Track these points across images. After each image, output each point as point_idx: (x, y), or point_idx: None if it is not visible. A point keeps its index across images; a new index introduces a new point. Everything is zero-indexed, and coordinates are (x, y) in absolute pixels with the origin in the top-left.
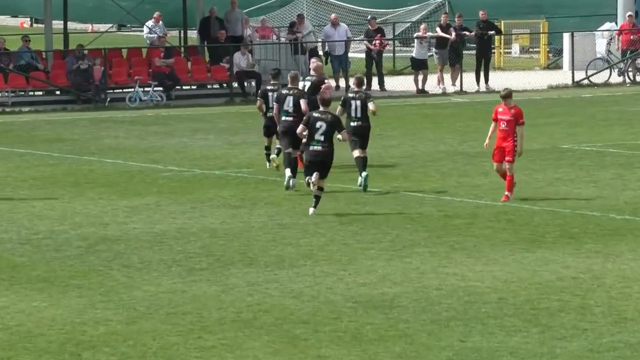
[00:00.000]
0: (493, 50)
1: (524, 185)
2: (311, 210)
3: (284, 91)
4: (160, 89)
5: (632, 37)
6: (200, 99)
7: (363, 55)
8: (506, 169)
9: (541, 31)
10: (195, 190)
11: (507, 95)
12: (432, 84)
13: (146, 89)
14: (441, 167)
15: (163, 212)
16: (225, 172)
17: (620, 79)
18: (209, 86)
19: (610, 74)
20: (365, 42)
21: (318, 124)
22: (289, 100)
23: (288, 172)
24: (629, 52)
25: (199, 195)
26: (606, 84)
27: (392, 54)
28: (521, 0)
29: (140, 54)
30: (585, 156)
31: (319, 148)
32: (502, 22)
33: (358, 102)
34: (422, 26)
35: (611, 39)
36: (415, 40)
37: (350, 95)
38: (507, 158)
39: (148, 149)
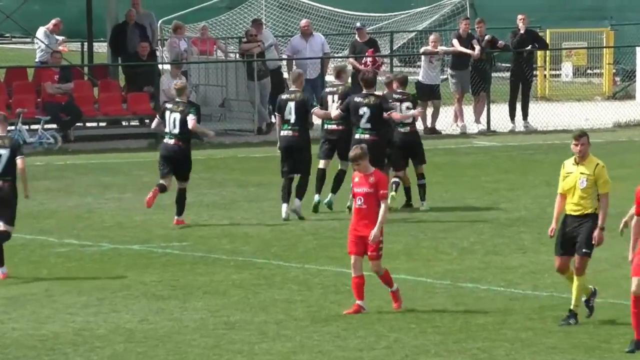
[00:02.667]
0: (535, 73)
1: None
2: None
3: (284, 96)
4: (54, 126)
5: None
6: (112, 141)
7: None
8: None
9: (604, 45)
10: (103, 274)
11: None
12: (446, 120)
13: (33, 126)
14: (459, 241)
15: (56, 305)
16: (148, 247)
17: None
18: (125, 122)
19: None
20: (350, 60)
21: (361, 111)
22: (291, 108)
23: (285, 207)
24: None
25: (108, 280)
26: None
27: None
28: (575, 1)
29: (24, 77)
30: None
31: (366, 136)
32: (548, 31)
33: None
34: (432, 37)
35: None
36: (423, 57)
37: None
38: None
39: (36, 213)
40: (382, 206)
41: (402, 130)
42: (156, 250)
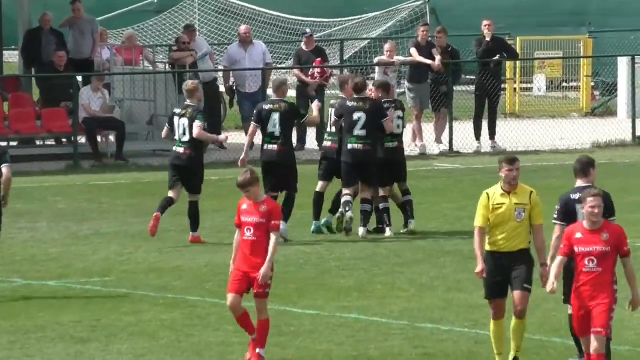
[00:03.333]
0: (504, 86)
1: (550, 298)
2: (361, 230)
3: (266, 106)
4: None
5: None
6: (25, 163)
7: (292, 93)
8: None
9: (582, 54)
10: (15, 314)
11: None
12: (404, 139)
13: None
14: (418, 276)
15: None
16: (66, 282)
17: None
18: (39, 142)
19: None
20: (295, 71)
21: (356, 116)
22: (275, 119)
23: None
24: None
25: (21, 320)
26: None
27: (338, 91)
28: (550, 3)
29: None
30: None
31: (360, 146)
32: (518, 39)
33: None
34: (388, 46)
35: None
36: (377, 68)
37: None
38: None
39: None
40: (273, 238)
41: (389, 145)
42: (75, 287)
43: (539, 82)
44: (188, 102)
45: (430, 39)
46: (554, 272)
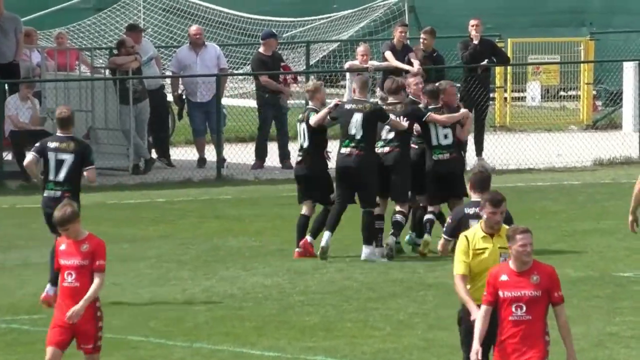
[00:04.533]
0: (493, 95)
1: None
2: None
3: (349, 106)
4: None
5: None
6: None
7: (252, 103)
8: None
9: (582, 59)
10: None
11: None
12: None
13: None
14: (395, 312)
15: None
16: None
17: None
18: None
19: None
20: (264, 78)
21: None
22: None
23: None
24: None
25: None
26: None
27: (305, 101)
28: (545, 0)
29: None
30: None
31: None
32: (510, 41)
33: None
34: (361, 49)
35: None
36: (348, 75)
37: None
38: None
39: None
40: (97, 280)
41: (438, 157)
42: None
43: (533, 90)
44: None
45: (407, 41)
46: (478, 332)
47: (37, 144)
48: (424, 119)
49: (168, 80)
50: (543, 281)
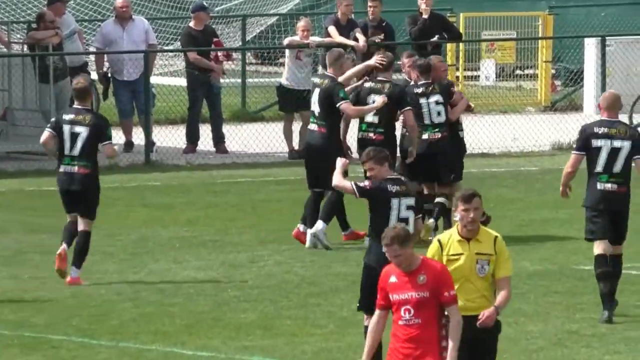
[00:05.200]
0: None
1: None
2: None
3: (314, 79)
4: None
5: None
6: None
7: (183, 82)
8: None
9: (540, 35)
10: None
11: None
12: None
13: None
14: (338, 309)
15: None
16: None
17: None
18: None
19: None
20: (193, 55)
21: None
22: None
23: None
24: None
25: None
26: None
27: (241, 80)
28: None
29: None
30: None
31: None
32: (462, 16)
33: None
34: (302, 24)
35: None
36: (287, 52)
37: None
38: None
39: None
40: None
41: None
42: None
43: (487, 69)
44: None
45: (352, 16)
46: (368, 346)
47: (52, 119)
48: (337, 105)
49: (92, 57)
50: (430, 281)
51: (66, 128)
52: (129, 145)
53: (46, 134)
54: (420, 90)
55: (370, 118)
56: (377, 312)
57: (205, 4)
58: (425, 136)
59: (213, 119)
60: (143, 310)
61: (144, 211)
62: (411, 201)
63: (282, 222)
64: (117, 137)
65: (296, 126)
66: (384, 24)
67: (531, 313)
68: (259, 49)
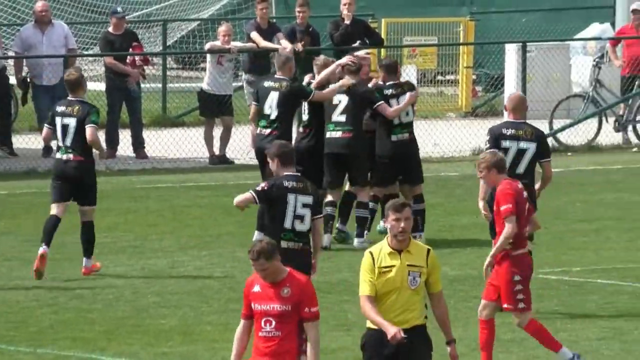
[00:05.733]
0: None
1: None
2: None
3: (267, 83)
4: None
5: None
6: None
7: (102, 87)
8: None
9: (462, 41)
10: None
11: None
12: (241, 144)
13: None
14: None
15: None
16: None
17: (620, 137)
18: None
19: (601, 127)
20: (109, 59)
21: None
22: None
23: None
24: (637, 82)
25: None
26: (594, 148)
27: (162, 85)
28: None
29: None
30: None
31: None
32: (384, 21)
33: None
34: (223, 29)
35: (602, 57)
36: (209, 57)
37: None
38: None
39: None
40: None
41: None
42: None
43: (409, 74)
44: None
45: (273, 20)
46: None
47: (50, 112)
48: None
49: (10, 62)
50: (294, 294)
51: (58, 120)
52: (47, 150)
53: (45, 130)
54: (390, 91)
55: (336, 117)
56: (241, 321)
57: (119, 9)
58: (394, 138)
59: (133, 124)
60: (61, 317)
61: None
62: (308, 199)
63: (202, 228)
64: (37, 142)
65: (217, 131)
66: (310, 29)
67: (451, 319)
68: (179, 54)
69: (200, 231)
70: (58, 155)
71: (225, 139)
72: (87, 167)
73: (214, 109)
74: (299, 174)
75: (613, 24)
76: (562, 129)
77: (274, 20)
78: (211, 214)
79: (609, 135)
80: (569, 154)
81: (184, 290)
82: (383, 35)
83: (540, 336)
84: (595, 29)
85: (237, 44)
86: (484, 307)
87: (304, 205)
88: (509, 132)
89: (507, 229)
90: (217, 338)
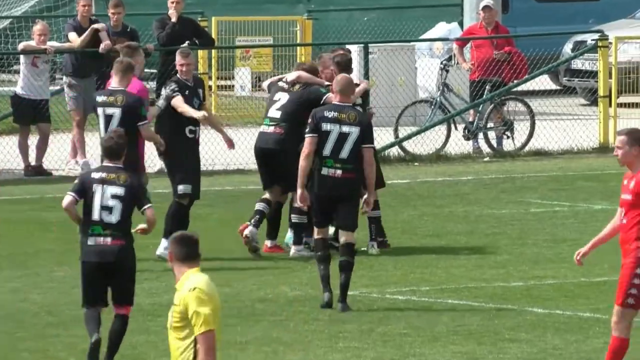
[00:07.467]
0: None
1: None
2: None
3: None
4: None
5: (495, 53)
6: None
7: None
8: None
9: (298, 41)
10: None
11: None
12: (62, 153)
13: None
14: (80, 340)
15: None
16: None
17: (470, 146)
18: None
19: (449, 135)
20: None
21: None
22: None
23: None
24: (487, 86)
25: None
26: (442, 157)
27: None
28: None
29: None
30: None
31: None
32: (214, 20)
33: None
34: (38, 28)
35: (449, 59)
36: (22, 59)
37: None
38: None
39: None
40: None
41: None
42: None
43: (243, 78)
44: None
45: (94, 17)
46: None
47: None
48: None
49: None
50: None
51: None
52: None
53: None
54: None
55: (272, 113)
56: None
57: None
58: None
59: None
60: None
61: None
62: (119, 190)
63: (16, 246)
64: None
65: (33, 140)
66: (128, 30)
67: (291, 342)
68: (9, 54)
69: (14, 249)
70: None
71: (41, 148)
72: None
73: (29, 115)
74: (111, 165)
75: (461, 23)
76: (408, 137)
77: (95, 18)
78: (27, 229)
79: (459, 144)
80: (416, 163)
81: None
82: (214, 35)
83: None
84: (442, 28)
85: (54, 44)
86: None
87: (113, 196)
88: (331, 114)
89: None
90: None
